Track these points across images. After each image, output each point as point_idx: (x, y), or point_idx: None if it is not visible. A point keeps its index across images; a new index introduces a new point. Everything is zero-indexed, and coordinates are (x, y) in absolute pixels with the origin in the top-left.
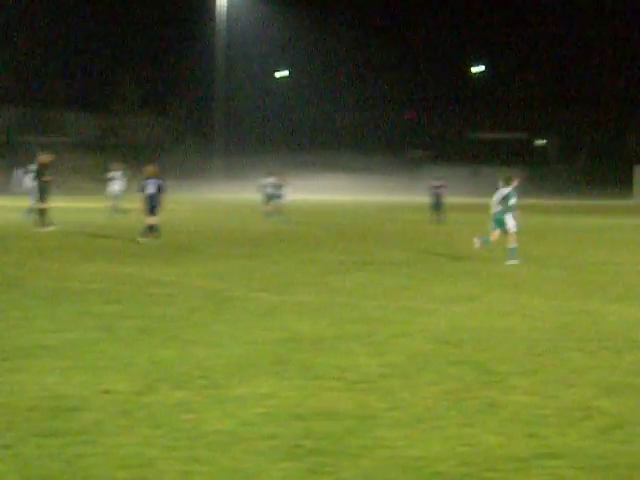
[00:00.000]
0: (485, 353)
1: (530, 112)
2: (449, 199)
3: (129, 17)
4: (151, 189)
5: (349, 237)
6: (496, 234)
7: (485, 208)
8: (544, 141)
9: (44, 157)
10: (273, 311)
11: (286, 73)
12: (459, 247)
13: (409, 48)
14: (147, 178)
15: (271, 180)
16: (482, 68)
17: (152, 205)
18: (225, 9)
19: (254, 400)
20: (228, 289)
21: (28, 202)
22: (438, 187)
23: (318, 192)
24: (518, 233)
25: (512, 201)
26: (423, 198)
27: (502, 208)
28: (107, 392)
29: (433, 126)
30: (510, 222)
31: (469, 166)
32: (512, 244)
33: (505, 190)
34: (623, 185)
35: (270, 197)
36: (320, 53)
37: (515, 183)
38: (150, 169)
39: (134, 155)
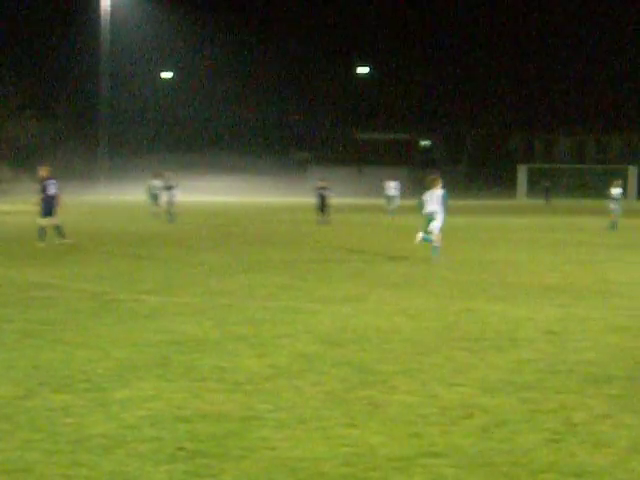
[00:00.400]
0: (369, 353)
1: (415, 113)
2: (334, 200)
3: (9, 16)
4: (52, 189)
5: (234, 238)
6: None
7: (370, 208)
8: (429, 142)
9: None
10: (157, 313)
11: (170, 74)
12: (344, 247)
13: (294, 49)
14: (47, 179)
15: (158, 182)
16: (367, 70)
17: (51, 206)
18: (109, 9)
19: (137, 403)
20: (112, 291)
21: None
22: (323, 188)
23: (202, 193)
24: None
25: (447, 202)
26: (309, 199)
27: (441, 207)
28: None
29: (318, 127)
30: (438, 223)
31: (354, 167)
32: (436, 243)
33: (438, 191)
34: (508, 185)
35: (157, 198)
36: (205, 54)
37: (440, 183)
38: (46, 170)
39: (17, 158)
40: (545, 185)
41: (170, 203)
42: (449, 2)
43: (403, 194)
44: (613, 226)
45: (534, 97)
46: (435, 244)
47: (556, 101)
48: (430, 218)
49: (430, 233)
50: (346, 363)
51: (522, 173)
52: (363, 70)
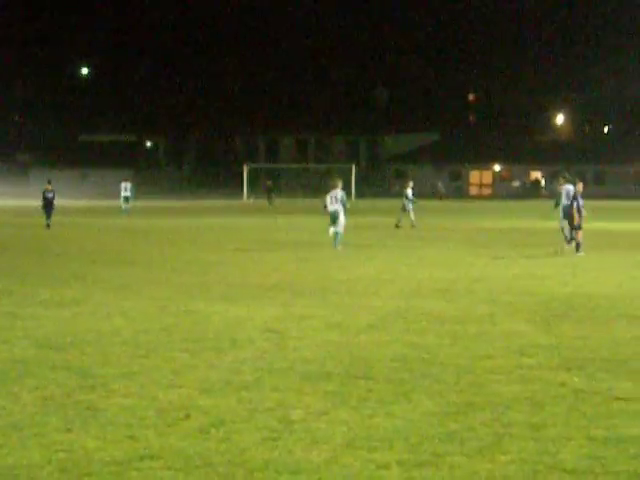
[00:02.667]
0: (88, 357)
1: (140, 114)
2: (59, 202)
3: None
4: None
5: None
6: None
7: (94, 211)
8: (153, 143)
9: None
10: None
11: None
12: (67, 250)
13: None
14: None
15: None
16: (87, 70)
17: None
18: None
19: None
20: None
21: None
22: (49, 191)
23: None
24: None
25: (346, 201)
26: (34, 202)
27: (341, 207)
28: None
29: (42, 129)
30: (342, 219)
31: (78, 169)
32: (341, 230)
33: (339, 192)
34: (235, 185)
35: None
36: None
37: (340, 184)
38: None
39: None
40: (267, 185)
41: None
42: (168, 2)
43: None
44: (411, 223)
45: (257, 97)
46: (339, 235)
47: (280, 101)
48: (334, 215)
49: (337, 227)
50: (65, 367)
51: (246, 172)
52: (84, 70)
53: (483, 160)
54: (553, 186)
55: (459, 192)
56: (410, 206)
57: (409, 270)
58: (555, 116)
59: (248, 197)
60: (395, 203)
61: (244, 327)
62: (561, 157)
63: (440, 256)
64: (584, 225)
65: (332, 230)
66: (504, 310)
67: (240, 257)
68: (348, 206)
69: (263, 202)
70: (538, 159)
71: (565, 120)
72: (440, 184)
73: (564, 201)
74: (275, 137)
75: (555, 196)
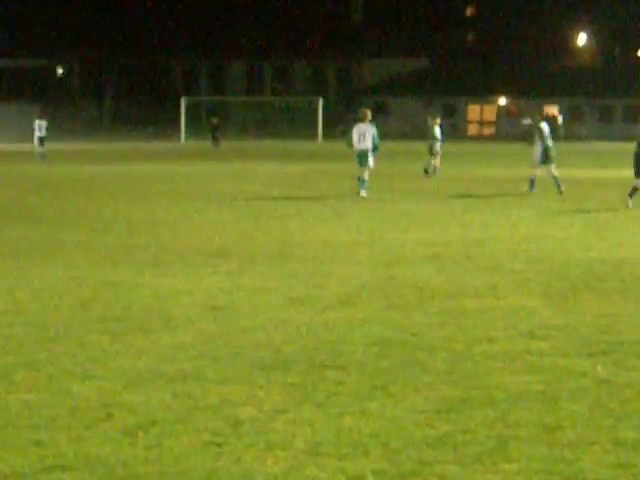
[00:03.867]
0: None
1: (50, 32)
2: None
3: None
4: None
5: None
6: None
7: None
8: (66, 68)
9: None
10: None
11: None
12: None
13: None
14: None
15: None
16: None
17: None
18: None
19: None
20: None
21: None
22: None
23: None
24: None
25: (377, 139)
26: None
27: (371, 145)
28: None
29: None
30: (372, 160)
31: None
32: (366, 176)
33: (369, 126)
34: (170, 123)
35: None
36: None
37: (369, 117)
38: None
39: None
40: (212, 122)
41: None
42: None
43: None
44: (434, 170)
45: (199, 11)
46: (366, 177)
47: (227, 16)
48: (363, 156)
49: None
50: None
51: (184, 107)
52: None
53: (484, 92)
54: (534, 121)
55: (454, 132)
56: (438, 148)
57: (390, 230)
58: (576, 37)
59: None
60: (385, 144)
61: (180, 303)
62: (584, 89)
63: (429, 213)
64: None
65: (362, 176)
66: (509, 281)
67: (176, 214)
68: (379, 145)
69: (206, 143)
70: (554, 91)
71: (589, 42)
72: (430, 120)
73: (547, 142)
74: (221, 62)
75: (532, 134)
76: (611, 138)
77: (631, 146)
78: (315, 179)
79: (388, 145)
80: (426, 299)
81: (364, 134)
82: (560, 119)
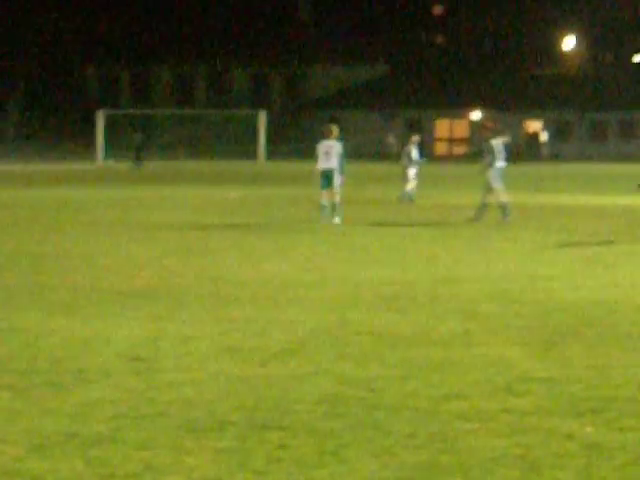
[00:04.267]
0: None
1: None
2: None
3: None
4: None
5: None
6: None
7: None
8: None
9: None
10: None
11: None
12: None
13: None
14: None
15: None
16: None
17: None
18: None
19: None
20: None
21: None
22: None
23: None
24: None
25: (344, 158)
26: None
27: (337, 165)
28: None
29: None
30: (338, 180)
31: None
32: (338, 200)
33: (334, 143)
34: (85, 139)
35: None
36: None
37: (336, 133)
38: None
39: None
40: (135, 139)
41: None
42: None
43: None
44: (408, 197)
45: (119, 9)
46: (337, 201)
47: (152, 15)
48: (328, 176)
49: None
50: None
51: (102, 122)
52: None
53: (455, 104)
54: (488, 142)
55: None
56: (413, 171)
57: (345, 267)
58: (563, 39)
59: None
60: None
61: (96, 352)
62: (572, 101)
63: (391, 246)
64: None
65: (324, 200)
66: (484, 326)
67: (92, 248)
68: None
69: (128, 164)
70: (538, 103)
71: (578, 46)
72: (392, 138)
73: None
74: (146, 69)
75: (487, 153)
76: (604, 158)
77: (628, 167)
78: (256, 206)
79: None
80: (385, 348)
81: (329, 152)
82: (544, 136)
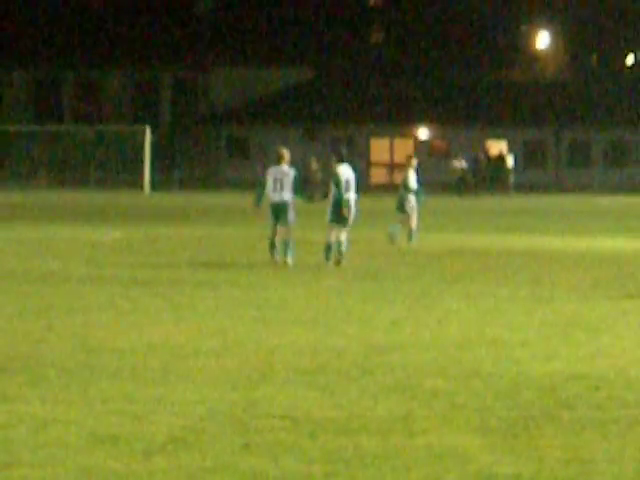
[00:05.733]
0: None
1: None
2: None
3: None
4: None
5: None
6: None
7: None
8: None
9: None
10: None
11: None
12: None
13: None
14: None
15: None
16: None
17: None
18: None
19: None
20: None
21: None
22: None
23: None
24: None
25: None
26: None
27: (291, 196)
28: None
29: None
30: (292, 215)
31: None
32: (290, 237)
33: (287, 170)
34: None
35: None
36: None
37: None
38: None
39: None
40: None
41: None
42: None
43: None
44: (392, 236)
45: None
46: (289, 242)
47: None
48: (281, 210)
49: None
50: None
51: None
52: None
53: (396, 119)
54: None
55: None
56: (412, 204)
57: (254, 330)
58: (534, 37)
59: None
60: (238, 196)
61: None
62: (546, 115)
63: (316, 302)
64: None
65: (272, 237)
66: (431, 408)
67: None
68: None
69: None
70: (502, 118)
71: (553, 45)
72: (315, 163)
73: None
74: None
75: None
76: (587, 189)
77: (616, 201)
78: (140, 251)
79: (247, 199)
80: (303, 436)
81: (281, 180)
82: (510, 161)
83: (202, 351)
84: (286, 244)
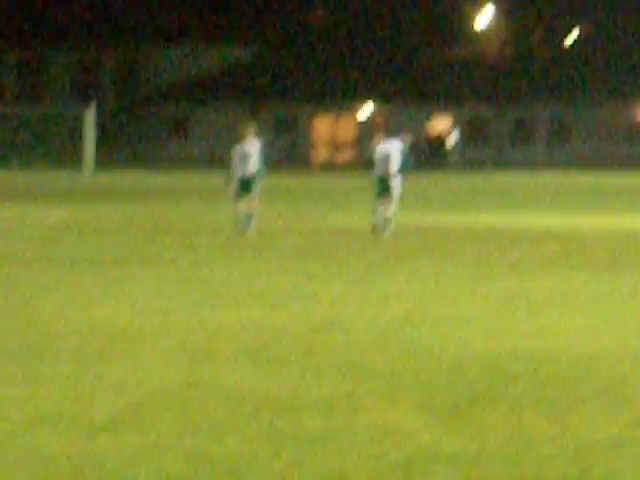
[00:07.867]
0: None
1: None
2: None
3: None
4: None
5: None
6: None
7: None
8: None
9: None
10: None
11: None
12: None
13: None
14: None
15: None
16: None
17: None
18: None
19: None
20: None
21: None
22: None
23: None
24: None
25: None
26: None
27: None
28: None
29: None
30: (257, 189)
31: None
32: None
33: (253, 144)
34: None
35: None
36: None
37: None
38: None
39: None
40: None
41: None
42: None
43: None
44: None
45: None
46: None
47: None
48: (247, 184)
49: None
50: None
51: None
52: None
53: (339, 96)
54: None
55: (292, 157)
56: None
57: (197, 309)
58: (477, 14)
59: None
60: (181, 175)
61: None
62: (489, 92)
63: (258, 282)
64: None
65: (239, 209)
66: (373, 386)
67: None
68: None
69: None
70: (445, 95)
71: (495, 24)
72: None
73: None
74: None
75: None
76: (530, 166)
77: (559, 178)
78: (83, 231)
79: (189, 178)
80: (246, 416)
81: (247, 154)
82: (453, 138)
83: (145, 331)
84: (249, 217)
